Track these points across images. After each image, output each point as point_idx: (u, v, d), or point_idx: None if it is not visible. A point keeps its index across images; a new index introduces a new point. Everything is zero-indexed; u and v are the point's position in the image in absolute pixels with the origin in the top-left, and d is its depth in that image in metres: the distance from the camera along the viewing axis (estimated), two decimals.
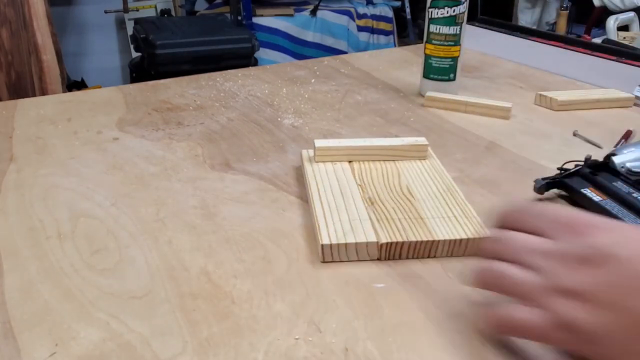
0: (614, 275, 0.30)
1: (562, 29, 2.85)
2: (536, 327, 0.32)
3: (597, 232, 0.33)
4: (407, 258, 0.46)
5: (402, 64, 1.04)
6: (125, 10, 2.92)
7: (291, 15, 2.86)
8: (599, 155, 0.57)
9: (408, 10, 3.26)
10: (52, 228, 0.51)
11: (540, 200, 0.56)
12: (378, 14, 3.12)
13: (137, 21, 2.43)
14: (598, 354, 0.31)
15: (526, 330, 0.33)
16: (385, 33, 3.17)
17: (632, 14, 2.32)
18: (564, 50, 0.99)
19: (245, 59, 2.19)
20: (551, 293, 0.32)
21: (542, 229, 0.35)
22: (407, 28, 3.30)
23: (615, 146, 0.66)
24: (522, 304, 0.33)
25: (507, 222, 0.37)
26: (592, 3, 2.55)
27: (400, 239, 0.46)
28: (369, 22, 3.09)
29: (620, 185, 0.52)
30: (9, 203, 0.55)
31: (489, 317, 0.35)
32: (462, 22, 0.80)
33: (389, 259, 0.46)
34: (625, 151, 0.56)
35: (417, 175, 0.57)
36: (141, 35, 2.16)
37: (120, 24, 3.07)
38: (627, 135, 0.70)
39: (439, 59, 0.82)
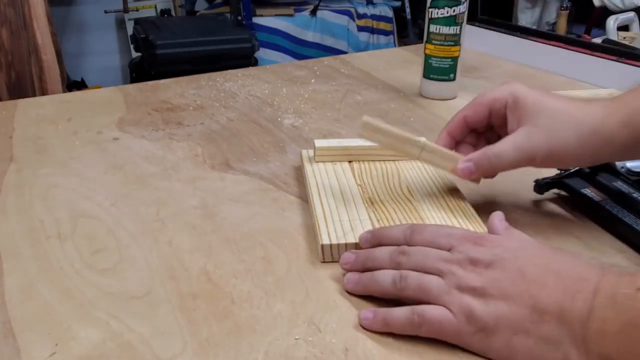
0: (500, 273, 0.37)
1: (562, 29, 2.84)
2: (447, 322, 0.36)
3: (486, 242, 0.39)
4: None
5: (402, 64, 1.04)
6: (125, 10, 2.92)
7: (291, 15, 2.86)
8: None
9: (408, 10, 3.26)
10: (52, 228, 0.51)
11: (540, 200, 0.56)
12: (378, 14, 3.12)
13: (137, 21, 2.43)
14: (493, 343, 0.35)
15: (438, 325, 0.37)
16: (385, 33, 3.16)
17: (632, 14, 2.32)
18: (564, 50, 0.99)
19: (245, 59, 2.18)
20: (453, 291, 0.37)
21: (439, 243, 0.40)
22: (407, 28, 3.30)
23: None
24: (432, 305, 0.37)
25: (408, 240, 0.42)
26: (592, 3, 2.55)
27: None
28: (369, 22, 3.08)
29: (620, 185, 0.52)
30: (9, 203, 0.55)
31: (403, 320, 0.38)
32: (462, 22, 0.80)
33: None
34: None
35: (417, 175, 0.57)
36: (141, 35, 2.16)
37: (120, 24, 3.07)
38: None
39: (439, 59, 0.82)
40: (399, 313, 0.38)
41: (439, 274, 0.38)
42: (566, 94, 0.82)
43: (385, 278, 0.40)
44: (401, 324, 0.38)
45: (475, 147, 0.52)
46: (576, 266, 0.36)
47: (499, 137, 0.50)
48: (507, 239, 0.40)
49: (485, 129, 0.52)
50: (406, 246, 0.41)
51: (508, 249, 0.38)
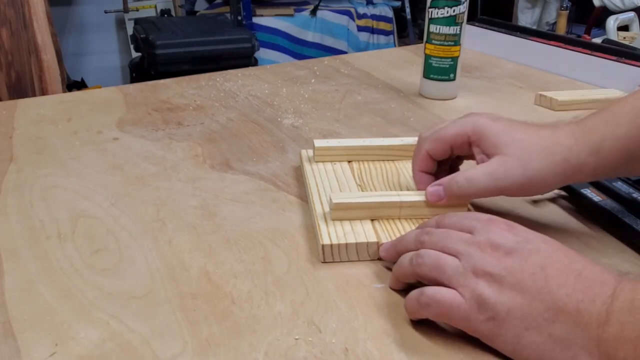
0: (519, 263, 0.36)
1: (562, 29, 2.85)
2: (456, 305, 0.36)
3: (511, 229, 0.38)
4: None
5: (402, 64, 1.04)
6: (125, 10, 2.92)
7: (291, 15, 2.86)
8: None
9: (408, 10, 3.26)
10: (52, 228, 0.51)
11: (540, 200, 0.56)
12: (378, 14, 3.12)
13: (137, 21, 2.44)
14: (502, 334, 0.35)
15: (448, 308, 0.36)
16: (385, 33, 3.17)
17: (632, 14, 2.32)
18: (564, 50, 0.99)
19: (245, 59, 2.19)
20: (468, 273, 0.37)
21: (463, 224, 0.40)
22: (407, 28, 3.30)
23: None
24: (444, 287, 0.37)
25: (438, 223, 0.42)
26: (592, 3, 2.55)
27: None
28: (369, 22, 3.09)
29: (620, 186, 0.52)
30: (9, 203, 0.55)
31: (414, 299, 0.38)
32: (462, 22, 0.80)
33: None
34: None
35: None
36: (141, 35, 2.16)
37: (120, 24, 3.07)
38: None
39: (439, 59, 0.82)
40: (410, 294, 0.39)
41: (457, 255, 0.38)
42: (567, 94, 0.82)
43: (404, 258, 0.41)
44: (411, 305, 0.38)
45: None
46: (596, 269, 0.35)
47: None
48: (534, 232, 0.38)
49: (455, 159, 0.51)
50: (431, 228, 0.41)
51: (532, 240, 0.37)
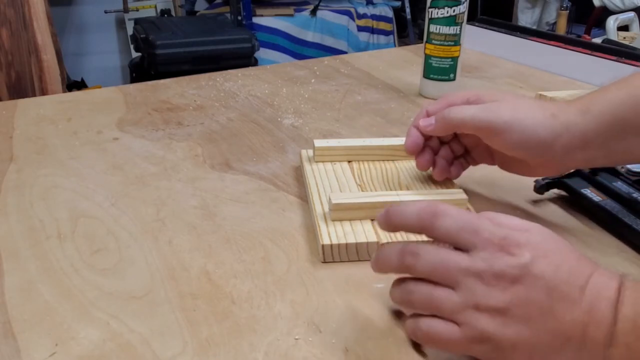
0: (526, 291, 0.33)
1: (562, 29, 2.85)
2: (454, 341, 0.34)
3: (515, 249, 0.34)
4: None
5: (402, 64, 1.04)
6: (125, 10, 2.92)
7: (291, 15, 2.86)
8: None
9: (408, 10, 3.26)
10: (52, 228, 0.51)
11: (540, 200, 0.56)
12: (378, 14, 3.12)
13: (137, 21, 2.44)
14: None
15: (445, 343, 0.35)
16: (385, 33, 3.17)
17: (632, 14, 2.32)
18: (564, 50, 0.99)
19: (245, 59, 2.19)
20: (468, 309, 0.34)
21: (460, 239, 0.35)
22: (407, 28, 3.30)
23: None
24: (441, 318, 0.35)
25: (426, 226, 0.36)
26: (592, 3, 2.55)
27: (400, 239, 0.46)
28: (369, 22, 3.09)
29: (620, 185, 0.52)
30: (9, 203, 0.55)
31: (410, 329, 0.37)
32: (462, 22, 0.80)
33: None
34: None
35: (417, 175, 0.57)
36: (141, 35, 2.16)
37: (120, 24, 3.07)
38: None
39: (439, 59, 0.82)
40: (407, 323, 0.37)
41: (454, 286, 0.34)
42: (567, 94, 0.82)
43: (393, 291, 0.38)
44: (408, 332, 0.37)
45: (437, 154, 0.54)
46: (598, 280, 0.33)
47: (465, 149, 0.54)
48: (534, 238, 0.34)
49: (450, 137, 0.53)
50: (416, 245, 0.36)
51: (537, 257, 0.33)
